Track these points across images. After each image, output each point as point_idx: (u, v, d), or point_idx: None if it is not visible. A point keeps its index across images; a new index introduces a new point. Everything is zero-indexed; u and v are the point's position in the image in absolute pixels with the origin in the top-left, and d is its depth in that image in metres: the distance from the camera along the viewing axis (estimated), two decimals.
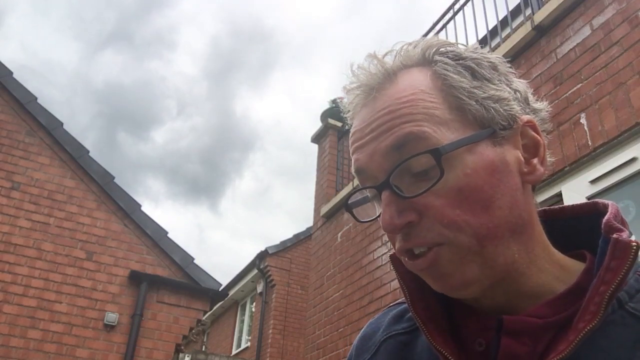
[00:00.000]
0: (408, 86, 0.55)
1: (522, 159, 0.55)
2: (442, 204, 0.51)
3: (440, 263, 0.51)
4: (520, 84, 0.58)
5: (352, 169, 0.58)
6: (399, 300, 0.69)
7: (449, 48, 0.57)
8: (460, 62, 0.56)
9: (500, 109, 0.54)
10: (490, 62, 0.57)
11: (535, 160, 0.56)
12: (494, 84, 0.55)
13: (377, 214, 0.57)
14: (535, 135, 0.56)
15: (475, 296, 0.54)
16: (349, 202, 0.60)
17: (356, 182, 5.60)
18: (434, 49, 0.57)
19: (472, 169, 0.51)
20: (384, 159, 0.53)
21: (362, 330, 0.71)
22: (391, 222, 0.51)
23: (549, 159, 0.58)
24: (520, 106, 0.56)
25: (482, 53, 0.58)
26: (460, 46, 0.58)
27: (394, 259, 0.61)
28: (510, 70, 0.59)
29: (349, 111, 0.60)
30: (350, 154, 0.58)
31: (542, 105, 0.59)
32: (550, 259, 0.56)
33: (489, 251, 0.51)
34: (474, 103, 0.54)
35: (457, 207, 0.51)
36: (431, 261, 0.52)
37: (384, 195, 0.52)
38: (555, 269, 0.55)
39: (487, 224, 0.51)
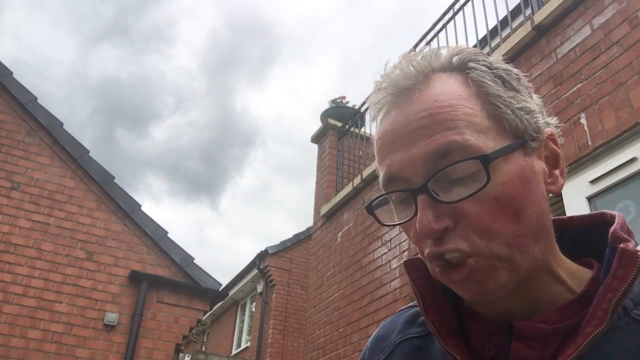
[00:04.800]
0: (446, 90, 0.55)
1: (546, 170, 0.57)
2: (478, 211, 0.51)
3: (474, 273, 0.52)
4: (537, 98, 0.60)
5: (381, 170, 0.57)
6: (411, 304, 0.71)
7: (479, 56, 0.58)
8: (493, 70, 0.57)
9: (531, 121, 0.55)
10: (516, 74, 0.58)
11: (556, 172, 0.58)
12: (522, 96, 0.57)
13: (399, 220, 0.56)
14: (556, 147, 0.58)
15: (498, 299, 0.54)
16: (373, 204, 0.59)
17: (356, 181, 5.63)
18: (466, 56, 0.57)
19: (508, 178, 0.52)
20: (422, 164, 0.52)
21: (375, 331, 0.73)
22: (430, 226, 0.51)
23: None
24: (543, 120, 0.58)
25: (508, 64, 0.59)
26: (487, 55, 0.59)
27: (407, 265, 0.62)
28: (530, 84, 0.60)
29: (378, 108, 0.59)
30: (377, 154, 0.57)
31: (554, 120, 0.61)
32: (563, 266, 0.57)
33: (516, 258, 0.52)
34: (510, 113, 0.54)
35: (491, 215, 0.51)
36: (467, 274, 0.51)
37: (420, 199, 0.52)
38: (567, 275, 0.57)
39: (517, 232, 0.52)
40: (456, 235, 0.51)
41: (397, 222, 0.57)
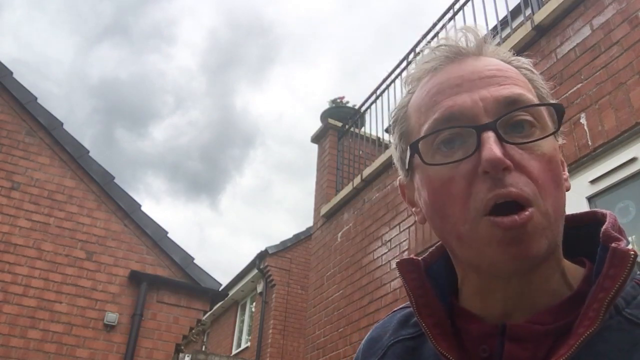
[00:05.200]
0: (503, 62, 0.59)
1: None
2: (536, 165, 0.52)
3: (530, 226, 0.50)
4: None
5: (441, 108, 0.55)
6: (404, 305, 0.70)
7: (518, 57, 0.62)
8: (532, 70, 0.61)
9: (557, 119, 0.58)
10: (542, 80, 0.62)
11: (565, 175, 0.59)
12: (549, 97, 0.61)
13: (446, 160, 0.53)
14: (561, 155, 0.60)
15: (527, 270, 0.52)
16: (419, 141, 0.55)
17: (356, 181, 5.62)
18: (506, 54, 0.61)
19: (555, 149, 0.55)
20: (492, 105, 0.54)
21: (368, 333, 0.72)
22: (498, 156, 0.49)
23: None
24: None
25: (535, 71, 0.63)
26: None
27: (400, 266, 0.61)
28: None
29: (434, 64, 0.60)
30: (430, 98, 0.57)
31: None
32: (563, 260, 0.58)
33: (555, 228, 0.53)
34: (549, 103, 0.57)
35: (545, 174, 0.52)
36: (526, 221, 0.49)
37: (487, 135, 0.51)
38: (566, 269, 0.57)
39: (560, 201, 0.53)
40: (519, 179, 0.50)
41: (451, 160, 0.53)
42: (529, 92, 0.56)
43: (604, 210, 0.59)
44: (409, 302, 0.65)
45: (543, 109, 0.55)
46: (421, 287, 0.60)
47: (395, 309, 0.72)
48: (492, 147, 0.50)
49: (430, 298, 0.59)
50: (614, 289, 0.50)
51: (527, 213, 0.49)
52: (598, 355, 0.50)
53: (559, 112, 0.54)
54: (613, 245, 0.52)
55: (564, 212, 0.55)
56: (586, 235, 0.60)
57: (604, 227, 0.55)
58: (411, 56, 5.41)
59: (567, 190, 0.58)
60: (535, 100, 0.56)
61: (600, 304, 0.50)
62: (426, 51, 0.61)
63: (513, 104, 0.53)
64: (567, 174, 0.59)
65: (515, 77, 0.57)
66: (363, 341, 0.72)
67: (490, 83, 0.55)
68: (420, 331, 0.62)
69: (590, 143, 3.01)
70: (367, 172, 5.45)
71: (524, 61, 0.61)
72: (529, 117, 0.53)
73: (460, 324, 0.58)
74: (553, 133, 0.54)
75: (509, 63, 0.60)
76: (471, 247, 0.52)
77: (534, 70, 0.61)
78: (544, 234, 0.51)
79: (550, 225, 0.51)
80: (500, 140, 0.51)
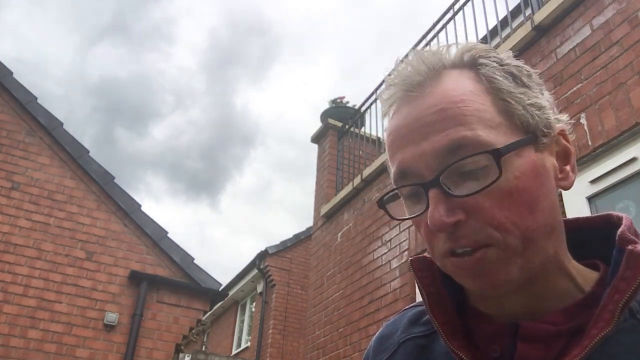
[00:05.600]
0: (457, 86, 0.55)
1: (557, 165, 0.57)
2: (492, 205, 0.51)
3: (486, 263, 0.51)
4: (549, 95, 0.60)
5: (392, 164, 0.57)
6: (415, 303, 0.71)
7: (490, 53, 0.58)
8: (505, 67, 0.57)
9: (542, 117, 0.56)
10: (527, 70, 0.58)
11: (567, 167, 0.58)
12: (533, 92, 0.57)
13: (410, 214, 0.56)
14: (567, 143, 0.58)
15: (505, 295, 0.54)
16: (385, 198, 0.58)
17: (356, 181, 5.62)
18: (476, 52, 0.58)
19: (521, 172, 0.52)
20: (433, 158, 0.53)
21: (379, 330, 0.73)
22: (441, 220, 0.51)
23: None
24: (554, 116, 0.58)
25: (519, 61, 0.59)
26: (498, 52, 0.59)
27: (413, 264, 0.62)
28: (541, 81, 0.60)
29: (389, 104, 0.59)
30: (389, 149, 0.58)
31: (565, 117, 0.61)
32: (572, 264, 0.57)
33: (530, 252, 0.52)
34: (521, 108, 0.54)
35: (505, 209, 0.51)
36: (478, 260, 0.51)
37: (432, 194, 0.52)
38: (576, 274, 0.57)
39: (532, 226, 0.52)
40: (470, 229, 0.51)
41: (409, 216, 0.56)
42: (479, 123, 0.52)
43: (619, 213, 0.59)
44: (419, 301, 0.66)
45: (497, 139, 0.52)
46: (433, 285, 0.60)
47: (406, 307, 0.72)
48: (434, 210, 0.51)
49: (442, 296, 0.60)
50: (629, 291, 0.50)
51: (477, 255, 0.51)
52: (611, 357, 0.50)
53: (495, 157, 0.50)
54: (630, 247, 0.52)
55: (548, 228, 0.53)
56: (601, 237, 0.59)
57: (620, 229, 0.55)
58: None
59: (567, 188, 0.58)
60: (484, 135, 0.52)
61: (615, 305, 0.50)
62: (385, 82, 0.60)
63: (455, 151, 0.52)
64: (568, 168, 0.58)
65: (460, 113, 0.53)
66: (374, 338, 0.72)
67: (431, 131, 0.53)
68: (432, 329, 0.63)
69: (590, 143, 3.01)
70: (367, 172, 5.45)
71: (492, 64, 0.56)
72: (471, 167, 0.51)
73: (471, 323, 0.59)
74: (497, 179, 0.50)
75: (473, 72, 0.56)
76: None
77: (509, 69, 0.57)
78: (510, 262, 0.51)
79: (520, 252, 0.51)
80: (447, 194, 0.51)
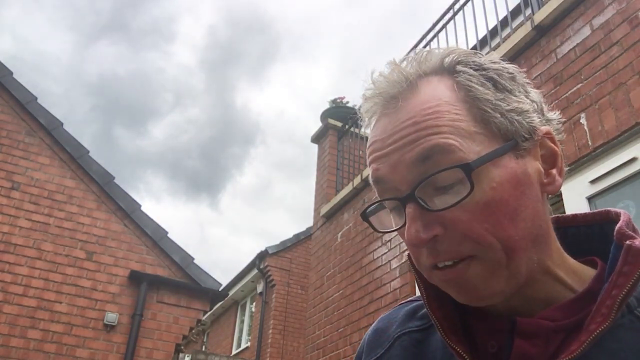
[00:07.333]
0: (431, 97, 0.54)
1: (542, 169, 0.55)
2: (469, 218, 0.50)
3: (468, 276, 0.51)
4: (536, 94, 0.59)
5: (371, 179, 0.57)
6: (411, 298, 0.71)
7: (470, 58, 0.57)
8: (483, 72, 0.56)
9: (523, 122, 0.54)
10: (510, 72, 0.57)
11: (554, 171, 0.56)
12: (515, 96, 0.55)
13: (395, 225, 0.56)
14: (553, 146, 0.57)
15: (496, 301, 0.54)
16: (367, 211, 0.59)
17: (356, 181, 5.63)
18: (455, 58, 0.56)
19: (497, 183, 0.51)
20: (407, 171, 0.52)
21: (373, 324, 0.72)
22: (417, 236, 0.51)
23: None
24: (539, 117, 0.57)
25: (501, 63, 0.57)
26: (479, 56, 0.58)
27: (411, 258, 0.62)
28: (527, 80, 0.59)
29: (368, 117, 0.59)
30: (368, 163, 0.57)
31: (555, 116, 0.60)
32: (564, 266, 0.57)
33: (514, 263, 0.52)
34: (499, 116, 0.53)
35: (484, 222, 0.50)
36: (460, 273, 0.51)
37: (409, 209, 0.52)
38: (568, 275, 0.56)
39: (514, 237, 0.51)
40: (449, 243, 0.51)
41: (390, 229, 0.57)
42: (452, 132, 0.51)
43: (617, 210, 0.58)
44: (415, 296, 0.66)
45: (471, 148, 0.51)
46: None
47: (402, 302, 0.72)
48: (410, 227, 0.51)
49: (440, 293, 0.59)
50: (627, 286, 0.50)
51: (459, 267, 0.51)
52: (609, 353, 0.50)
53: (466, 171, 0.50)
54: (628, 242, 0.51)
55: (532, 236, 0.53)
56: (599, 234, 0.59)
57: (618, 225, 0.54)
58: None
59: (553, 193, 0.56)
60: (457, 144, 0.51)
61: (614, 300, 0.50)
62: (363, 95, 0.59)
63: (425, 160, 0.51)
64: (555, 171, 0.56)
65: (433, 125, 0.52)
66: (368, 332, 0.72)
67: (405, 143, 0.52)
68: (428, 324, 0.63)
69: (590, 143, 3.01)
70: (367, 172, 5.44)
71: (469, 71, 0.55)
72: (445, 181, 0.51)
73: (468, 318, 0.59)
74: (468, 194, 0.50)
75: (451, 80, 0.55)
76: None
77: (489, 74, 0.55)
78: (495, 275, 0.51)
79: (504, 264, 0.51)
80: (423, 209, 0.51)
